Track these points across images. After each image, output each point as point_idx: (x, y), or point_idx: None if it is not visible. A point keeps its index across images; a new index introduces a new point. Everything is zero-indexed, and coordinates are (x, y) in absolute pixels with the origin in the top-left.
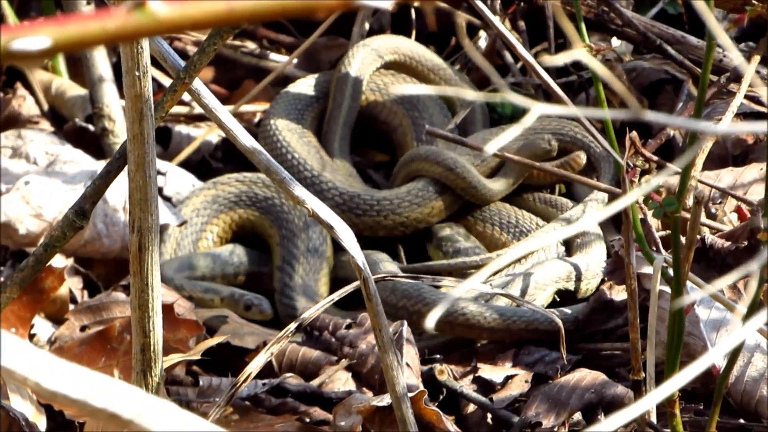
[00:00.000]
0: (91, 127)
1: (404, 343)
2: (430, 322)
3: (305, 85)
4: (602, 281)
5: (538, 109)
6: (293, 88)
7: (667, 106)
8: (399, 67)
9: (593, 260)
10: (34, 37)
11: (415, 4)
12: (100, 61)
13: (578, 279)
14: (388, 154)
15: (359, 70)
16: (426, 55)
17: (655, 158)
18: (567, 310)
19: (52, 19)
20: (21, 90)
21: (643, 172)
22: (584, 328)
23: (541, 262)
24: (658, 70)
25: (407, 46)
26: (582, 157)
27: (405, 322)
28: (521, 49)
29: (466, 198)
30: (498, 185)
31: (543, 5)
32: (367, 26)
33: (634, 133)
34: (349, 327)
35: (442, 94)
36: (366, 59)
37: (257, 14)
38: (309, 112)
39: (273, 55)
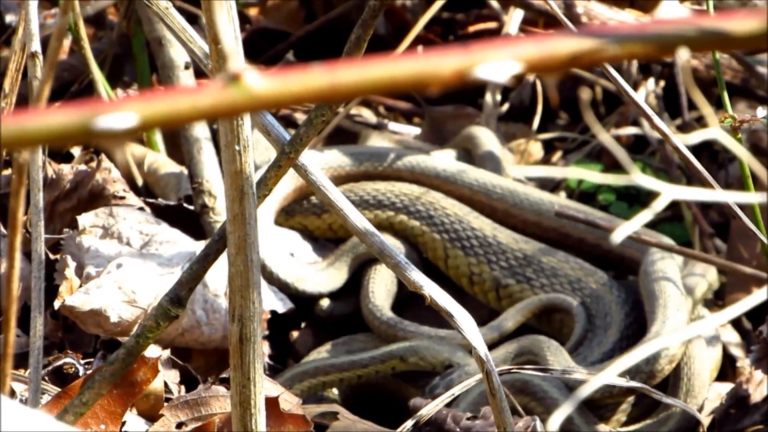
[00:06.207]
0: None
1: None
2: (554, 424)
3: None
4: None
5: (669, 193)
6: None
7: None
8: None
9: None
10: (119, 113)
11: (534, 77)
12: (200, 130)
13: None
14: None
15: None
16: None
17: None
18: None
19: (140, 94)
20: (106, 162)
21: None
22: (720, 428)
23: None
24: None
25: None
26: None
27: (537, 418)
28: (658, 120)
29: None
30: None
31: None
32: (498, 96)
33: None
34: (471, 419)
35: (566, 176)
36: None
37: (363, 89)
38: None
39: (391, 125)
